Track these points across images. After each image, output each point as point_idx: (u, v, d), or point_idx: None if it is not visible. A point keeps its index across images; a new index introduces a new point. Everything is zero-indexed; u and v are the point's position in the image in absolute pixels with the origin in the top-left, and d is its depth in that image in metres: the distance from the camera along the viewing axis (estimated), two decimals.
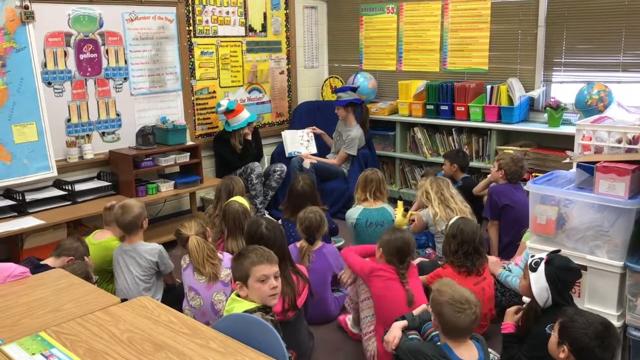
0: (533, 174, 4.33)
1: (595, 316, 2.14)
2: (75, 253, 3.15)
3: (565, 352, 2.09)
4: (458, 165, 4.48)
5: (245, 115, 5.09)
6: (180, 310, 2.98)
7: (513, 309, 2.69)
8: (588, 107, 4.36)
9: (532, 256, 2.56)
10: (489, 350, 2.91)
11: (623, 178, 2.55)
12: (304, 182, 4.02)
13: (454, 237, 3.09)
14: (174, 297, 3.30)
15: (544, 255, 2.51)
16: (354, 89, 5.49)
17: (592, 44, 4.60)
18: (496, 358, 2.80)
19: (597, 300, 2.68)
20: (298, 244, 3.46)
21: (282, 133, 5.60)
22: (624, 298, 2.64)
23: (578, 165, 2.85)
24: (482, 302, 2.93)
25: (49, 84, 4.23)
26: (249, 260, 2.33)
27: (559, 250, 2.57)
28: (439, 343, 2.35)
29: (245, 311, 2.20)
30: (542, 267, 2.43)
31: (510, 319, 2.64)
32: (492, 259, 3.30)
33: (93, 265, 3.21)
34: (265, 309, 2.26)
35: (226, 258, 3.25)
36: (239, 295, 2.36)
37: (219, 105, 5.09)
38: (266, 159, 5.59)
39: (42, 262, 3.10)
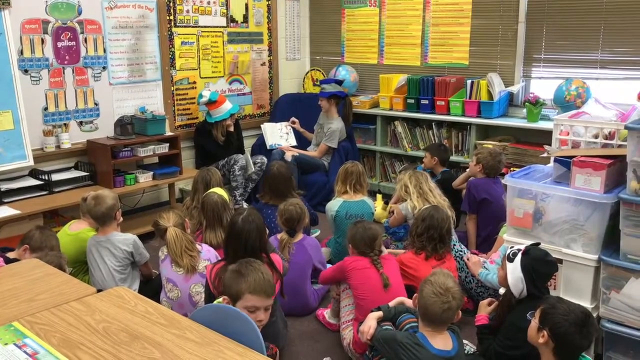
0: (511, 169, 4.37)
1: (576, 305, 2.18)
2: (42, 244, 3.10)
3: (545, 337, 2.12)
4: (439, 158, 4.50)
5: (227, 106, 5.04)
6: (158, 301, 2.95)
7: (486, 301, 2.74)
8: (566, 103, 4.41)
9: (512, 247, 2.59)
10: (465, 342, 2.94)
11: (599, 173, 2.59)
12: (279, 165, 4.15)
13: (422, 220, 3.20)
14: (151, 288, 3.28)
15: (523, 246, 2.54)
16: (339, 82, 5.48)
17: (571, 41, 4.64)
18: (472, 349, 2.83)
19: (572, 292, 2.72)
20: (279, 236, 3.46)
21: (262, 126, 5.59)
22: (598, 291, 2.69)
23: (555, 160, 2.89)
24: None
25: (26, 71, 4.15)
26: (245, 285, 2.21)
27: (539, 243, 2.60)
28: (416, 333, 2.38)
29: None
30: (518, 257, 2.46)
31: (484, 311, 2.68)
32: (474, 259, 3.34)
33: (66, 257, 3.17)
34: None
35: (204, 250, 3.23)
36: None
37: (200, 95, 5.04)
38: (247, 151, 5.56)
39: (10, 257, 3.04)
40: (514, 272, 2.45)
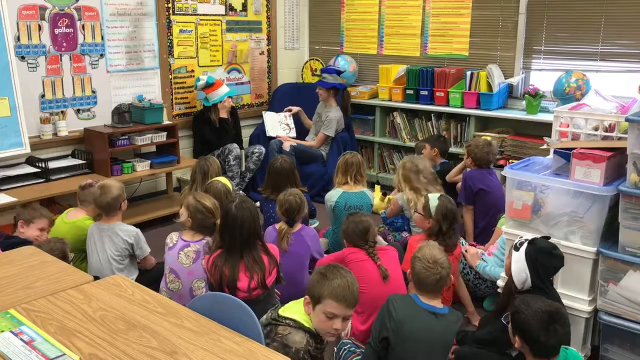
0: (510, 161, 4.37)
1: (542, 303, 2.12)
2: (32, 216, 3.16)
3: (519, 342, 2.15)
4: (438, 149, 4.49)
5: (224, 89, 5.05)
6: (156, 290, 2.93)
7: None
8: (566, 95, 4.40)
9: (520, 237, 2.57)
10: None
11: (599, 165, 2.58)
12: (283, 160, 4.05)
13: (444, 217, 3.15)
14: (148, 278, 3.25)
15: (531, 237, 2.52)
16: (339, 72, 5.45)
17: (571, 33, 4.62)
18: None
19: (570, 285, 2.72)
20: (277, 226, 3.44)
21: (263, 113, 5.56)
22: (596, 283, 2.69)
23: (555, 152, 2.88)
24: None
25: (23, 58, 4.12)
26: (328, 289, 2.11)
27: (549, 237, 2.58)
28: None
29: (299, 325, 2.14)
30: (524, 247, 2.44)
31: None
32: (472, 251, 3.33)
33: (69, 243, 3.16)
34: (316, 337, 2.16)
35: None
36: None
37: (198, 79, 5.04)
38: (245, 140, 5.54)
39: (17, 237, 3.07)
40: (518, 262, 2.43)
